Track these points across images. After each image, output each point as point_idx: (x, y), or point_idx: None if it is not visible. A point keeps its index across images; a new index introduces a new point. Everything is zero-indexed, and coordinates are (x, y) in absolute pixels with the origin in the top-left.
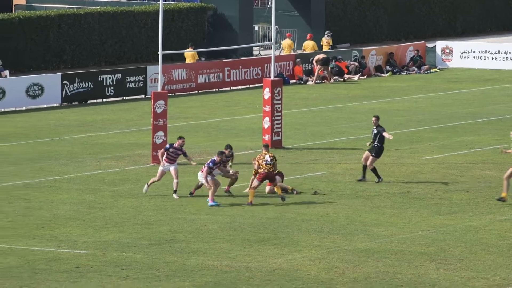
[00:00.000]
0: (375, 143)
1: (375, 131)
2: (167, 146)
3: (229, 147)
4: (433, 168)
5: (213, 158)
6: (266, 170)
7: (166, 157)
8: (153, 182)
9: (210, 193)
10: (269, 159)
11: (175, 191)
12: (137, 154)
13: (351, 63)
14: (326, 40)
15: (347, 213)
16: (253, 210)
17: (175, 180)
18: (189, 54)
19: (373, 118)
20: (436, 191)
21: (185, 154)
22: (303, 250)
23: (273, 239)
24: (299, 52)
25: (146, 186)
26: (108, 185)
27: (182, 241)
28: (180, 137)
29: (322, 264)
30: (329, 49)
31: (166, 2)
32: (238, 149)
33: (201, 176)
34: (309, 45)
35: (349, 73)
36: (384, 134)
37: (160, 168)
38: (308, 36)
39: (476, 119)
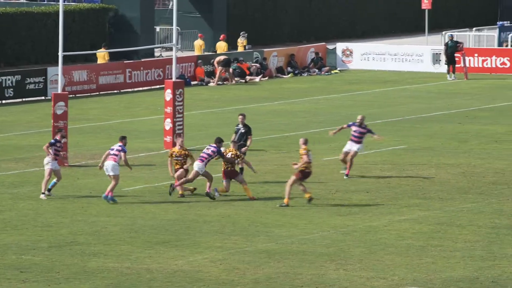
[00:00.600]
0: (242, 142)
1: (243, 131)
2: (53, 141)
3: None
4: (333, 169)
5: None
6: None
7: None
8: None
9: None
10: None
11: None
12: (37, 156)
13: (253, 64)
14: (241, 41)
15: (248, 214)
16: (154, 212)
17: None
18: (101, 55)
19: (240, 117)
20: (336, 192)
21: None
22: (205, 251)
23: (174, 241)
24: (207, 53)
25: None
26: (8, 187)
27: (82, 243)
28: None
29: (223, 265)
30: (243, 50)
31: (66, 3)
32: (139, 151)
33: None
34: (220, 46)
35: (250, 74)
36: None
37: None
38: (221, 36)
39: (376, 121)
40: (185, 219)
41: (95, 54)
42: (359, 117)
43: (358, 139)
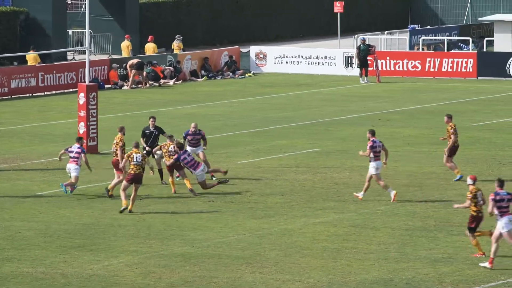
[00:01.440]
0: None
1: (156, 133)
2: None
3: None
4: (248, 172)
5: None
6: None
7: None
8: None
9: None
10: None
11: None
12: None
13: (166, 67)
14: (177, 44)
15: (163, 218)
16: (68, 216)
17: None
18: (31, 57)
19: (151, 119)
20: (252, 195)
21: None
22: (120, 255)
23: (89, 245)
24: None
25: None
26: None
27: None
28: None
29: (139, 269)
30: (180, 52)
31: None
32: (53, 155)
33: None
34: (149, 48)
35: (164, 77)
36: None
37: None
38: (149, 38)
39: (290, 123)
40: (100, 223)
41: (24, 56)
42: (192, 125)
43: (196, 143)
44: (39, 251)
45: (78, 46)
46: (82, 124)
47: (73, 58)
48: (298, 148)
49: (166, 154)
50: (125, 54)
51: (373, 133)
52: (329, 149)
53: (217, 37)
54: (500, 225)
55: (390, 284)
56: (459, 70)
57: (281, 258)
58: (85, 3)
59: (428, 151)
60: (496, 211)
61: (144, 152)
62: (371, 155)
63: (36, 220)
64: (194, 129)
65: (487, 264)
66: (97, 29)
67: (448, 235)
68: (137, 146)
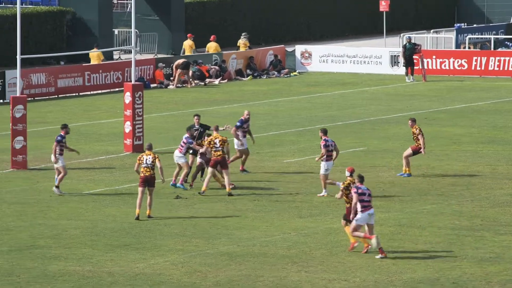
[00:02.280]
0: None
1: (201, 130)
2: (59, 137)
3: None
4: (294, 171)
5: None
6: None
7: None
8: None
9: (182, 174)
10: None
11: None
12: None
13: (212, 67)
14: (243, 42)
15: (209, 217)
16: (114, 214)
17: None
18: (95, 55)
19: (195, 117)
20: (297, 194)
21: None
22: (166, 254)
23: (135, 244)
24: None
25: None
26: None
27: (43, 247)
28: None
29: (185, 268)
30: (246, 49)
31: (23, 6)
32: (99, 154)
33: (179, 156)
34: (211, 47)
35: (210, 77)
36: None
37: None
38: (211, 37)
39: (335, 122)
40: (146, 222)
41: (41, 58)
42: (246, 112)
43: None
44: (85, 250)
45: (124, 46)
46: (128, 123)
47: (119, 57)
48: (344, 147)
49: (212, 149)
50: (187, 52)
51: (325, 132)
52: (374, 148)
53: (262, 36)
54: (362, 219)
55: (437, 284)
56: (505, 68)
57: (327, 257)
58: (131, 3)
59: (474, 150)
60: (358, 205)
61: (190, 152)
62: (325, 153)
63: (82, 219)
64: (248, 116)
65: (380, 255)
66: (142, 28)
67: (495, 235)
68: (150, 148)
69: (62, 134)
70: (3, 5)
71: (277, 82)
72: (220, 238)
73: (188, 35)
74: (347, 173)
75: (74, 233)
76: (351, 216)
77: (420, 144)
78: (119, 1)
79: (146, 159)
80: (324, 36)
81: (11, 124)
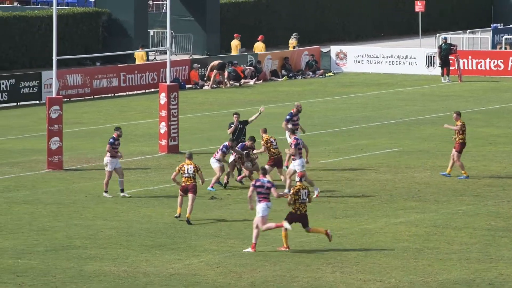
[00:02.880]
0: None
1: (241, 126)
2: (111, 140)
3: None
4: (329, 171)
5: (225, 144)
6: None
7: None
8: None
9: (214, 178)
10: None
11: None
12: (32, 160)
13: (247, 67)
14: (291, 42)
15: (244, 217)
16: (149, 215)
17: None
18: (139, 55)
19: (235, 116)
20: (332, 195)
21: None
22: (201, 254)
23: (170, 244)
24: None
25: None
26: (2, 192)
27: (78, 247)
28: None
29: (220, 268)
30: (293, 48)
31: (59, 7)
32: (135, 155)
33: (213, 161)
34: (258, 47)
35: (245, 77)
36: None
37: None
38: (259, 37)
39: (370, 123)
40: (181, 223)
41: (76, 59)
42: (298, 104)
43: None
44: (121, 250)
45: (159, 47)
46: (163, 124)
47: (155, 58)
48: (379, 148)
49: (270, 147)
50: (234, 52)
51: (293, 131)
52: (410, 149)
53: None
54: (258, 210)
55: (472, 285)
56: None
57: (361, 258)
58: (167, 4)
59: (510, 150)
60: (256, 197)
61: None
62: (294, 152)
63: (118, 219)
64: (298, 109)
65: (250, 249)
66: (178, 29)
67: None
68: (190, 157)
69: (115, 136)
70: (39, 6)
71: (312, 82)
72: None
73: (235, 35)
74: (297, 179)
75: (109, 233)
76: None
77: (462, 139)
78: (154, 2)
79: (188, 169)
80: (360, 37)
81: (47, 124)
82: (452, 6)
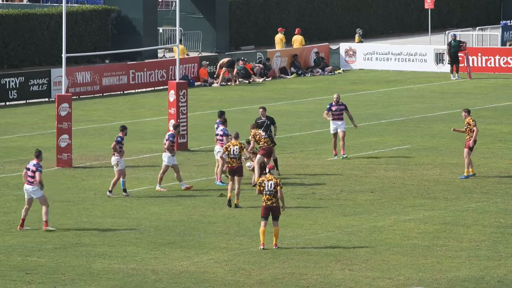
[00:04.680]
0: (269, 133)
1: (268, 123)
2: (119, 138)
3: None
4: (337, 169)
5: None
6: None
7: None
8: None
9: (218, 171)
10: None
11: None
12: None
13: (256, 65)
14: (357, 38)
15: (253, 215)
16: (158, 213)
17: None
18: (278, 38)
19: (261, 110)
20: (341, 192)
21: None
22: (210, 252)
23: (179, 242)
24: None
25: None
26: (12, 189)
27: (87, 244)
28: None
29: (229, 266)
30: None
31: (69, 5)
32: (144, 152)
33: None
34: (297, 40)
35: (254, 75)
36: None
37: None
38: (296, 30)
39: (379, 120)
40: (190, 220)
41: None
42: (335, 96)
43: (339, 116)
44: (130, 248)
45: (168, 44)
46: (172, 121)
47: (164, 55)
48: (388, 145)
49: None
50: (278, 47)
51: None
52: (419, 146)
53: (306, 34)
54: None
55: (482, 282)
56: None
57: (370, 255)
58: (176, 1)
59: None
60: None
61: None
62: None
63: (127, 217)
64: (336, 98)
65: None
66: (187, 26)
67: None
68: (237, 137)
69: (121, 135)
70: (48, 4)
71: (321, 80)
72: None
73: (279, 29)
74: (267, 170)
75: (118, 231)
76: None
77: (473, 137)
78: (163, 0)
79: (233, 150)
80: (369, 34)
81: (56, 122)
82: (461, 3)
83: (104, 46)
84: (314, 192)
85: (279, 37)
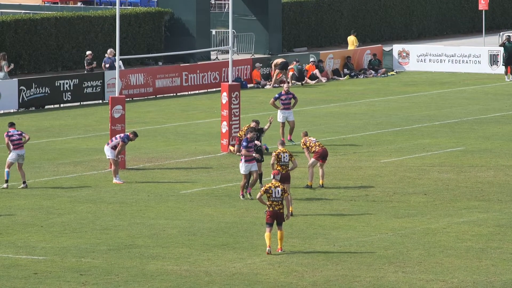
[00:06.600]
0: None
1: (258, 134)
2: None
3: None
4: (391, 171)
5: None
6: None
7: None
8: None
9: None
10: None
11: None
12: (95, 160)
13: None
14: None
15: (305, 217)
16: (211, 214)
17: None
18: (351, 40)
19: (253, 123)
20: (394, 194)
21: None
22: (263, 254)
23: (232, 244)
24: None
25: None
26: (66, 191)
27: (141, 246)
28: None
29: (282, 268)
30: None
31: (122, 7)
32: (196, 154)
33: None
34: (350, 40)
35: (312, 78)
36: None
37: None
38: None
39: (433, 122)
40: (243, 222)
41: (139, 59)
42: (285, 85)
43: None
44: (183, 249)
45: (221, 46)
46: (224, 123)
47: (216, 57)
48: (442, 147)
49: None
50: (350, 47)
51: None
52: (473, 148)
53: (359, 36)
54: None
55: None
56: None
57: (424, 257)
58: (229, 3)
59: None
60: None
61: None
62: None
63: (180, 219)
64: (286, 89)
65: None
66: (240, 28)
67: None
68: (283, 144)
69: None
70: (102, 6)
71: (374, 81)
72: (316, 238)
73: (352, 30)
74: (272, 176)
75: (171, 232)
76: None
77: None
78: (216, 1)
79: (284, 157)
80: (422, 35)
81: (110, 124)
82: None
83: (158, 48)
84: (367, 194)
85: (351, 39)
